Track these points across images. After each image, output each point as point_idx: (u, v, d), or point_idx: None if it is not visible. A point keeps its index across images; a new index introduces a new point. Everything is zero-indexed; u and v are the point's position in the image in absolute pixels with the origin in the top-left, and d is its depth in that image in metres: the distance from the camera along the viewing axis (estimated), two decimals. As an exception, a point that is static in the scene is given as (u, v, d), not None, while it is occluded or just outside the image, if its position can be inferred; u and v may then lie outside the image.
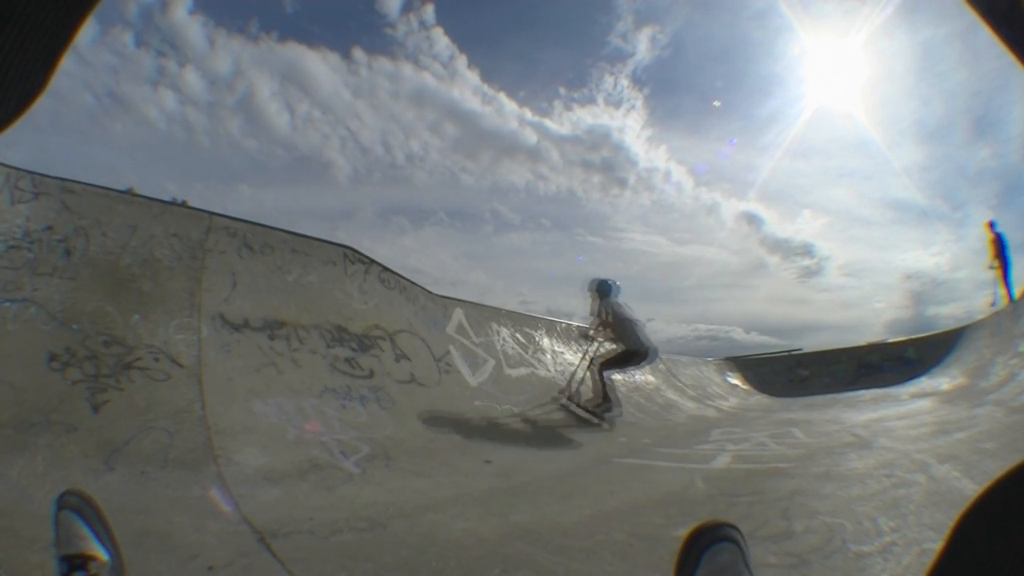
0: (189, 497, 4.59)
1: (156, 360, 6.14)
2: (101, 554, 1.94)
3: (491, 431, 8.64)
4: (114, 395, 5.55)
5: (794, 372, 22.06)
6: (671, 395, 15.13)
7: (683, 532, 1.70)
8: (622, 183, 55.78)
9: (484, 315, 12.11)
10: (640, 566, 3.39)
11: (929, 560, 0.84)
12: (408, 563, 3.57)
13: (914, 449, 6.21)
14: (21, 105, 0.70)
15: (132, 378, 5.82)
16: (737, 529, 1.68)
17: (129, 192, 7.87)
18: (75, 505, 2.01)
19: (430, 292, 10.94)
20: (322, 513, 4.57)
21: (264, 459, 5.60)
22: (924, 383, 14.88)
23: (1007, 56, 0.73)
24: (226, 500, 4.62)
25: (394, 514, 4.63)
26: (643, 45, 51.55)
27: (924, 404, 10.92)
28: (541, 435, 9.13)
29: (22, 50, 0.63)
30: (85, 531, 1.96)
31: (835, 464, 5.91)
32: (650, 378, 15.59)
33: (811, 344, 24.76)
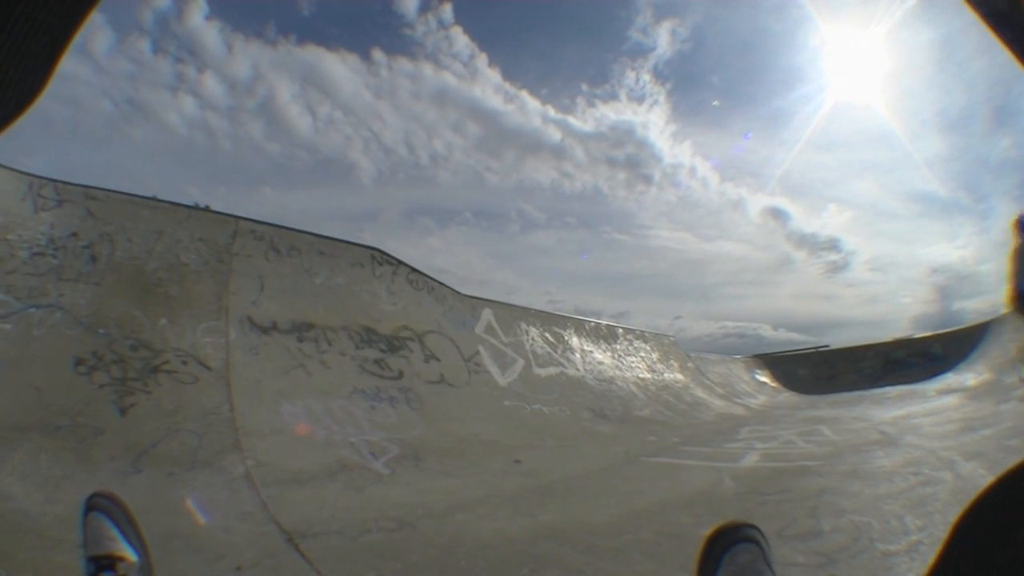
0: (216, 498, 4.58)
1: (184, 363, 6.15)
2: (129, 555, 1.90)
3: (521, 431, 8.57)
4: (141, 398, 5.58)
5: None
6: (700, 393, 15.04)
7: (707, 532, 1.70)
8: (647, 180, 55.58)
9: (513, 315, 12.09)
10: (668, 565, 3.38)
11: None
12: (437, 563, 3.54)
13: (940, 446, 6.20)
14: (21, 105, 0.69)
15: (160, 381, 5.85)
16: (758, 529, 1.67)
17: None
18: (104, 507, 1.97)
19: (458, 292, 10.93)
20: (351, 513, 4.54)
21: (293, 460, 5.59)
22: (950, 379, 14.79)
23: (1008, 56, 0.73)
24: (254, 501, 4.60)
25: (423, 514, 4.59)
26: (663, 39, 51.34)
27: (950, 400, 10.89)
28: (570, 434, 9.05)
29: (22, 50, 0.63)
30: (114, 532, 1.92)
31: (862, 462, 5.89)
32: (679, 376, 15.54)
33: (838, 340, 24.65)
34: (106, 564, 1.82)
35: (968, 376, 14.12)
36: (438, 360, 9.21)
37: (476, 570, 3.40)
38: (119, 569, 1.82)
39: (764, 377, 21.48)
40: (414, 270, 10.12)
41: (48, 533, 3.39)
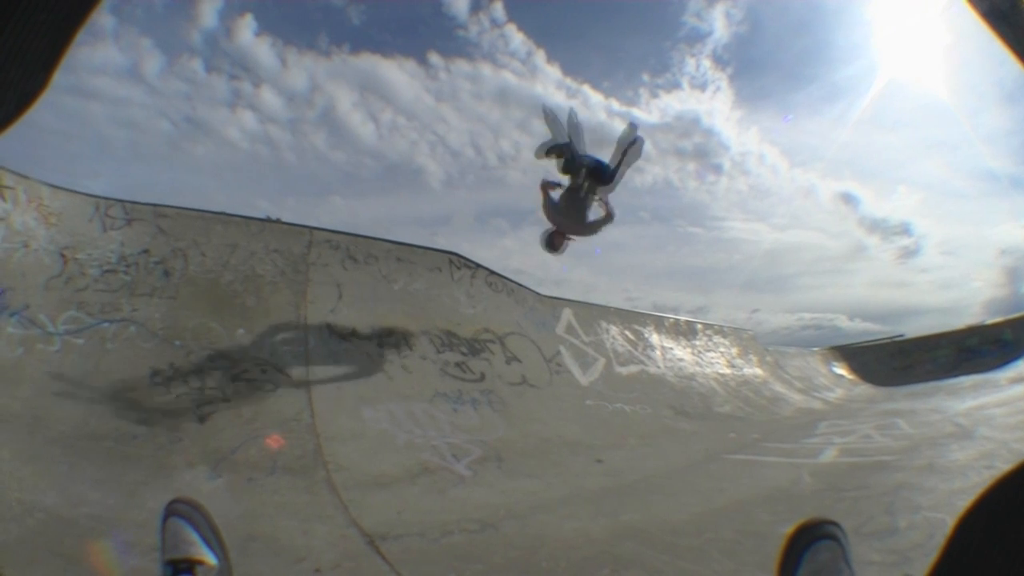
0: (296, 502, 4.58)
1: (263, 371, 6.23)
2: (209, 559, 1.90)
3: (602, 430, 8.42)
4: (220, 406, 5.67)
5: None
6: (778, 388, 14.69)
7: (790, 529, 1.73)
8: (717, 169, 54.22)
9: (593, 314, 11.95)
10: (748, 565, 3.40)
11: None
12: (518, 564, 3.51)
13: (1012, 438, 6.16)
14: (21, 105, 0.70)
15: (239, 390, 5.92)
16: (838, 526, 1.71)
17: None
18: (184, 512, 1.98)
19: (538, 293, 10.88)
20: (432, 516, 4.50)
21: (374, 464, 5.57)
22: (1021, 367, 14.55)
23: (1008, 56, 0.74)
24: (334, 504, 4.59)
25: (505, 515, 4.53)
26: (719, 22, 49.97)
27: (1021, 389, 10.78)
28: (652, 433, 8.85)
29: (23, 51, 0.64)
30: (194, 536, 1.92)
31: (938, 456, 5.79)
32: (758, 371, 15.24)
33: (913, 329, 23.90)
34: (184, 568, 1.84)
35: (1037, 363, 14.03)
36: (519, 361, 9.16)
37: (557, 571, 3.41)
38: (198, 573, 1.83)
39: (841, 369, 21.01)
40: (492, 272, 10.13)
41: (122, 537, 3.42)
